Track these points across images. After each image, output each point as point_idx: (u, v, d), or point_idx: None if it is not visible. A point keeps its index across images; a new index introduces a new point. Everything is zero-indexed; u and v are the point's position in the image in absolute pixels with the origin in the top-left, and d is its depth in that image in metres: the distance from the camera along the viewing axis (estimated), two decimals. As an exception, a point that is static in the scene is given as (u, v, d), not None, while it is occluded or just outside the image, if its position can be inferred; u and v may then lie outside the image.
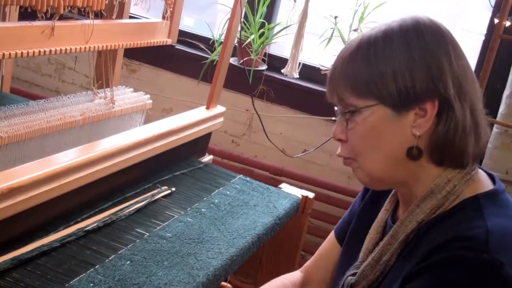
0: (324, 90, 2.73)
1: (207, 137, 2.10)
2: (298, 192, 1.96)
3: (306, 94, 2.77)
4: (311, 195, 1.96)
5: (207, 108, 2.06)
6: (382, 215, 1.06)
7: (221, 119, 2.13)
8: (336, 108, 1.01)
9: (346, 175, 2.79)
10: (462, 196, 0.93)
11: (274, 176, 2.76)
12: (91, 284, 1.24)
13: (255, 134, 2.90)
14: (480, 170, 0.99)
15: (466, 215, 0.90)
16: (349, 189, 2.72)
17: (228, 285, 2.34)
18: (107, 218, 1.51)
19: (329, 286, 1.24)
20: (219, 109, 2.11)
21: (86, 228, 1.44)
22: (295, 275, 1.32)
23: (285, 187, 2.00)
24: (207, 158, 2.13)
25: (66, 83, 3.30)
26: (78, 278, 1.26)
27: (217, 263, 1.43)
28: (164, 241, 1.48)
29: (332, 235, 1.28)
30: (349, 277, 1.04)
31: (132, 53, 2.99)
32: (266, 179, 2.58)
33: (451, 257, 0.84)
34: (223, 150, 2.87)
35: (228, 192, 1.84)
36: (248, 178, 1.99)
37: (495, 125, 2.43)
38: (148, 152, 1.74)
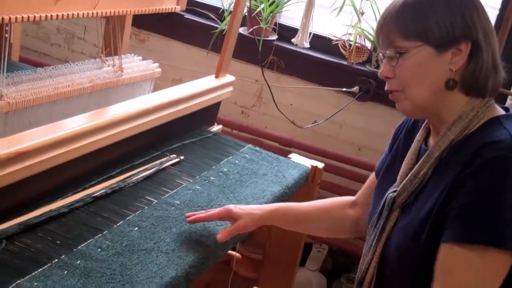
0: (335, 61, 2.70)
1: (216, 106, 2.09)
2: (308, 162, 1.95)
3: (317, 65, 2.73)
4: (320, 165, 1.95)
5: (216, 77, 2.04)
6: (415, 144, 1.26)
7: (230, 89, 2.11)
8: (381, 54, 1.21)
9: (355, 147, 2.77)
10: (484, 119, 1.15)
11: (283, 147, 2.74)
12: (99, 249, 1.24)
13: (265, 105, 2.88)
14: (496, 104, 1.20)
15: (490, 129, 1.13)
16: (358, 160, 2.70)
17: (237, 254, 2.34)
18: (115, 185, 1.51)
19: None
20: (228, 78, 2.09)
21: (94, 195, 1.44)
22: (350, 198, 1.51)
23: (294, 157, 1.98)
24: (217, 127, 2.12)
25: (76, 53, 3.28)
26: (86, 243, 1.26)
27: (226, 230, 1.42)
28: (173, 208, 1.47)
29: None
30: (390, 194, 1.23)
31: (141, 23, 2.96)
32: (276, 150, 2.55)
33: (485, 161, 1.05)
34: (232, 120, 2.85)
35: (237, 161, 1.83)
36: (257, 148, 1.97)
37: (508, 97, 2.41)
38: (157, 120, 1.72)
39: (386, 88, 1.21)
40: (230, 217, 1.38)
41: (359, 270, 1.28)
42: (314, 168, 1.93)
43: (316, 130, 2.79)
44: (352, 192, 2.68)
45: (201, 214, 1.40)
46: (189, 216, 1.39)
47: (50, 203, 1.36)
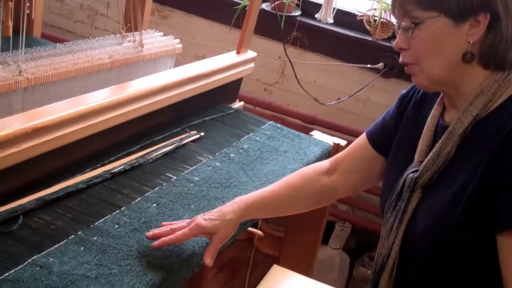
0: (359, 36, 2.65)
1: (237, 82, 2.06)
2: (330, 140, 1.92)
3: (341, 41, 2.68)
4: (343, 142, 1.92)
5: (238, 53, 2.01)
6: (432, 121, 1.20)
7: (252, 65, 2.08)
8: (396, 24, 1.18)
9: (380, 125, 2.72)
10: (508, 92, 1.11)
11: (306, 125, 2.71)
12: (116, 226, 1.23)
13: (288, 82, 2.84)
14: None
15: None
16: (383, 138, 2.66)
17: (259, 232, 2.33)
18: (134, 161, 1.50)
19: (353, 177, 1.37)
20: (250, 54, 2.06)
21: (113, 171, 1.43)
22: (323, 164, 1.42)
23: (316, 134, 1.95)
24: (238, 104, 2.09)
25: (99, 30, 3.27)
26: (103, 219, 1.25)
27: (245, 207, 1.40)
28: (192, 184, 1.46)
29: (363, 136, 1.38)
30: (410, 174, 1.17)
31: (164, -1, 2.95)
32: (298, 127, 2.52)
33: None
34: (255, 98, 2.82)
35: (258, 138, 1.81)
36: (278, 125, 1.95)
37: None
38: (177, 95, 1.71)
39: (400, 60, 1.16)
40: (204, 232, 1.21)
41: (378, 254, 1.22)
42: (336, 145, 1.90)
43: (340, 107, 2.75)
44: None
45: (169, 238, 1.18)
46: (152, 238, 1.19)
47: (68, 179, 1.36)
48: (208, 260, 1.18)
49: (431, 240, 1.12)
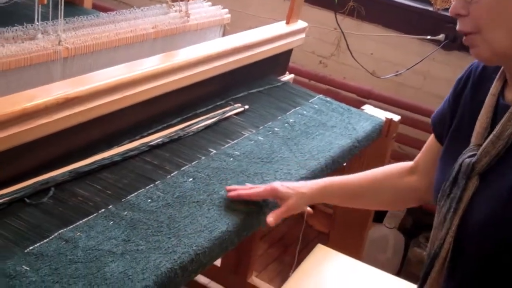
0: (419, 6, 2.52)
1: (287, 54, 1.99)
2: (382, 115, 1.82)
3: (400, 11, 2.55)
4: (396, 118, 1.82)
5: (287, 23, 1.93)
6: (490, 100, 1.07)
7: (303, 36, 1.99)
8: None
9: (440, 99, 2.58)
10: None
11: (361, 99, 2.60)
12: (149, 200, 1.19)
13: (344, 55, 2.73)
14: None
15: None
16: (443, 114, 2.53)
17: (309, 209, 2.26)
18: (174, 133, 1.45)
19: (431, 175, 1.21)
20: (300, 24, 1.97)
21: (151, 143, 1.39)
22: (408, 163, 1.35)
23: (368, 108, 1.86)
24: (287, 77, 2.02)
25: (154, 1, 3.24)
26: (136, 193, 1.21)
27: (285, 184, 1.34)
28: (231, 159, 1.40)
29: None
30: (467, 159, 1.05)
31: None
32: (353, 102, 2.43)
33: None
34: (308, 70, 2.73)
35: (305, 112, 1.74)
36: (328, 98, 1.87)
37: None
38: (222, 66, 1.65)
39: (458, 27, 1.02)
40: (276, 196, 1.25)
41: (430, 243, 1.11)
42: (389, 120, 1.80)
43: (398, 81, 2.63)
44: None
45: (244, 189, 1.26)
46: (229, 190, 1.26)
47: (104, 151, 1.32)
48: (271, 219, 1.21)
49: (488, 234, 1.00)
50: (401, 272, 2.61)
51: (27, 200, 1.12)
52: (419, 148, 2.61)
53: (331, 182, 1.31)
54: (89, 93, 1.24)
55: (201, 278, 2.38)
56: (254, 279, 2.29)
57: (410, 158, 2.65)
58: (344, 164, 1.85)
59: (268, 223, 1.20)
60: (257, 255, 2.34)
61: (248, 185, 1.29)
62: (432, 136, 1.26)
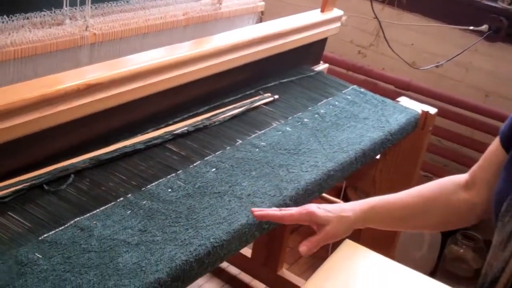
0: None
1: (321, 43, 1.93)
2: (418, 107, 1.76)
3: (441, 1, 2.46)
4: (432, 110, 1.75)
5: (322, 11, 1.88)
6: None
7: (338, 24, 1.94)
8: None
9: (482, 92, 2.49)
10: None
11: (400, 90, 2.52)
12: (169, 190, 1.17)
13: (383, 45, 2.66)
14: None
15: None
16: (485, 108, 2.43)
17: (339, 201, 2.22)
18: (199, 122, 1.42)
19: (491, 191, 1.07)
20: (336, 12, 1.92)
21: (175, 132, 1.36)
22: (461, 177, 1.19)
23: (403, 100, 1.80)
24: (321, 66, 1.97)
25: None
26: (156, 182, 1.19)
27: (310, 177, 1.30)
28: (257, 150, 1.37)
29: (497, 138, 1.12)
30: None
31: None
32: (391, 93, 2.36)
33: None
34: (346, 60, 2.67)
35: (337, 103, 1.69)
36: (362, 89, 1.81)
37: None
38: (253, 54, 1.61)
39: None
40: (313, 221, 1.09)
41: (488, 264, 0.99)
42: (425, 113, 1.74)
43: (439, 72, 2.54)
44: (476, 144, 2.46)
45: (273, 211, 1.10)
46: (255, 211, 1.10)
47: (127, 139, 1.31)
48: (304, 248, 1.06)
49: None
50: (436, 270, 2.54)
51: (46, 187, 1.11)
52: (459, 142, 2.54)
53: (379, 203, 1.15)
54: (112, 79, 1.22)
55: (231, 269, 2.37)
56: (284, 272, 2.26)
57: (449, 152, 2.58)
58: (378, 157, 1.80)
59: (301, 252, 1.06)
60: (288, 247, 2.30)
61: (275, 209, 1.13)
62: (496, 144, 1.11)
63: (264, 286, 2.31)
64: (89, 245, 0.98)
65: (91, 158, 1.20)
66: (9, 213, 1.03)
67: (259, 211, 1.09)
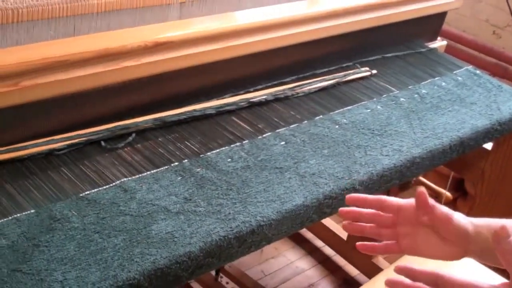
0: None
1: (439, 17, 1.76)
2: (542, 96, 1.55)
3: None
4: (558, 100, 1.53)
5: (443, -19, 1.71)
6: None
7: (460, -2, 1.75)
8: None
9: None
10: None
11: (534, 78, 2.28)
12: (229, 160, 1.10)
13: (523, 26, 2.41)
14: None
15: None
16: None
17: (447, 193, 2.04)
18: (281, 92, 1.34)
19: None
20: (459, -17, 1.73)
21: (252, 99, 1.29)
22: None
23: (525, 87, 1.59)
24: (438, 43, 1.79)
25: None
26: (218, 150, 1.12)
27: (390, 162, 1.18)
28: (336, 127, 1.26)
29: None
30: None
31: None
32: (522, 80, 2.14)
33: None
34: (476, 40, 2.44)
35: (443, 84, 1.52)
36: (478, 71, 1.62)
37: None
38: (353, 24, 1.50)
39: None
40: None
41: None
42: (549, 105, 1.52)
43: None
44: None
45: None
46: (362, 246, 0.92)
47: (201, 102, 1.25)
48: None
49: None
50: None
51: (103, 144, 1.08)
52: None
53: None
54: (185, 38, 1.17)
55: (327, 249, 2.28)
56: (379, 260, 2.14)
57: None
58: (490, 149, 1.62)
59: None
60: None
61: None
62: None
63: (357, 271, 2.20)
64: (128, 207, 0.94)
65: (155, 119, 1.16)
66: (60, 166, 1.02)
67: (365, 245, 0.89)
